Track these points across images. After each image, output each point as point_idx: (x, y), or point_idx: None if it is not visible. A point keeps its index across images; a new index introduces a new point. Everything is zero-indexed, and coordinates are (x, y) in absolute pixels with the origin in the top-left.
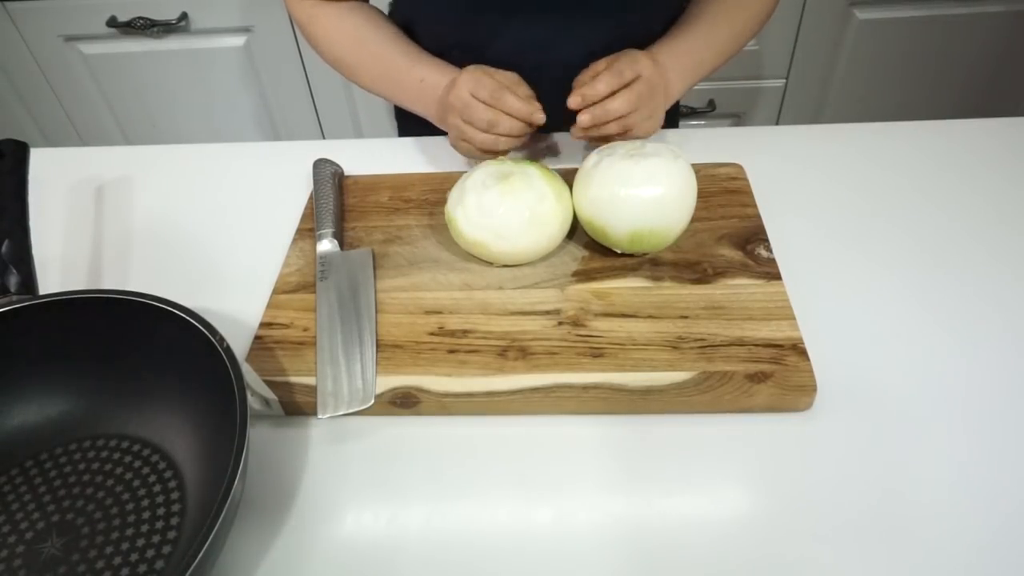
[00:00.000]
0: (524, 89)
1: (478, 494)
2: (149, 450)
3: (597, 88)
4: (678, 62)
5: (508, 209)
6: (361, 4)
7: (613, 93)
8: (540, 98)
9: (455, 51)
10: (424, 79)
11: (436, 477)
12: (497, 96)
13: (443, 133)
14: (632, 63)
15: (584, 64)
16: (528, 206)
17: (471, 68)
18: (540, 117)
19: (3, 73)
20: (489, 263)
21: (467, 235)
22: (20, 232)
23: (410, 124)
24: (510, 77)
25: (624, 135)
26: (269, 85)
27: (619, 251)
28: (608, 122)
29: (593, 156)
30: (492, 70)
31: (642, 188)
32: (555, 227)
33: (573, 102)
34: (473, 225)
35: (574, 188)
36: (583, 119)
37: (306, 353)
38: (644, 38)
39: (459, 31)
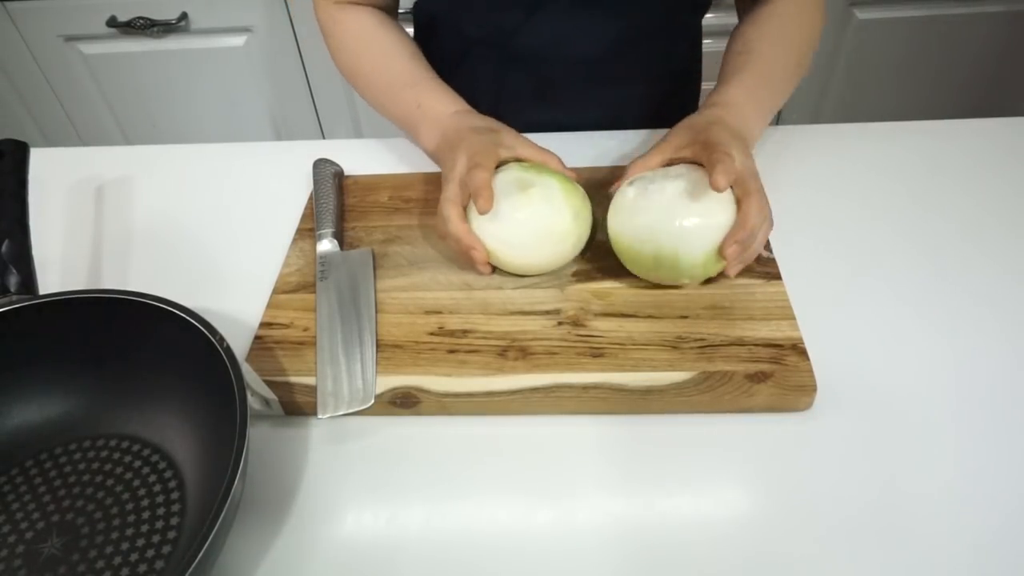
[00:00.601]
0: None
1: (478, 494)
2: (149, 450)
3: (719, 185)
4: (753, 99)
5: (523, 221)
6: (384, 16)
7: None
8: (560, 92)
9: (478, 47)
10: (421, 104)
11: (436, 477)
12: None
13: None
14: (729, 165)
15: (605, 58)
16: (544, 221)
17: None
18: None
19: (3, 73)
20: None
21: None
22: (20, 232)
23: None
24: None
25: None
26: (269, 85)
27: (670, 283)
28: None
29: (629, 188)
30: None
31: (712, 216)
32: (568, 244)
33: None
34: (485, 232)
35: (612, 220)
36: (732, 254)
37: (306, 353)
38: (666, 33)
39: (482, 27)
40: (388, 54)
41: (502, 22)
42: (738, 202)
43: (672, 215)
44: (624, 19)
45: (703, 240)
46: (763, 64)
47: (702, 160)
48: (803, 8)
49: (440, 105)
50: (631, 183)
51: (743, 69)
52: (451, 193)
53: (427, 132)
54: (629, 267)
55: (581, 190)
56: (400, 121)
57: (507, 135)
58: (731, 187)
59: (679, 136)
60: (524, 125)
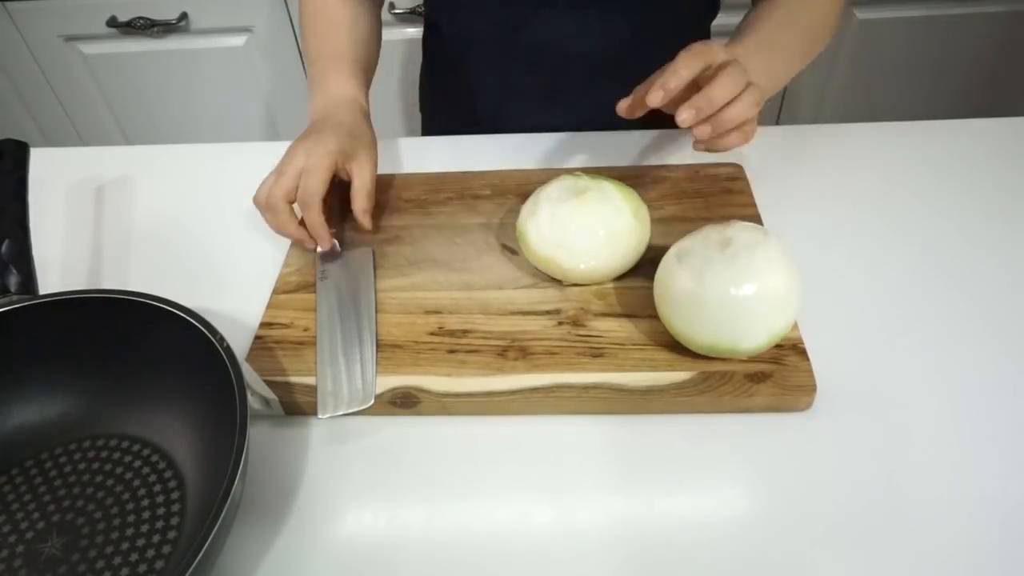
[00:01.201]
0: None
1: (478, 494)
2: (149, 450)
3: (679, 73)
4: (755, 62)
5: (582, 226)
6: (357, 1)
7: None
8: (565, 91)
9: (484, 44)
10: (326, 74)
11: (436, 477)
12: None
13: (452, 132)
14: (706, 47)
15: (610, 58)
16: (603, 223)
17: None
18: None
19: (3, 73)
20: (559, 281)
21: (538, 251)
22: (20, 232)
23: (435, 122)
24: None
25: (744, 133)
26: (269, 85)
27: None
28: (714, 116)
29: (683, 273)
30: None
31: (774, 308)
32: (631, 246)
33: (654, 98)
34: (545, 241)
35: (663, 302)
36: (685, 115)
37: (306, 353)
38: (674, 33)
39: (487, 23)
40: (336, 25)
41: (508, 17)
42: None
43: (733, 312)
44: (630, 19)
45: (765, 331)
46: (770, 34)
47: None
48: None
49: (340, 85)
50: (679, 260)
51: (747, 35)
52: (285, 187)
53: (313, 102)
54: (676, 338)
55: (632, 190)
56: (308, 81)
57: (362, 151)
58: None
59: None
60: (529, 124)
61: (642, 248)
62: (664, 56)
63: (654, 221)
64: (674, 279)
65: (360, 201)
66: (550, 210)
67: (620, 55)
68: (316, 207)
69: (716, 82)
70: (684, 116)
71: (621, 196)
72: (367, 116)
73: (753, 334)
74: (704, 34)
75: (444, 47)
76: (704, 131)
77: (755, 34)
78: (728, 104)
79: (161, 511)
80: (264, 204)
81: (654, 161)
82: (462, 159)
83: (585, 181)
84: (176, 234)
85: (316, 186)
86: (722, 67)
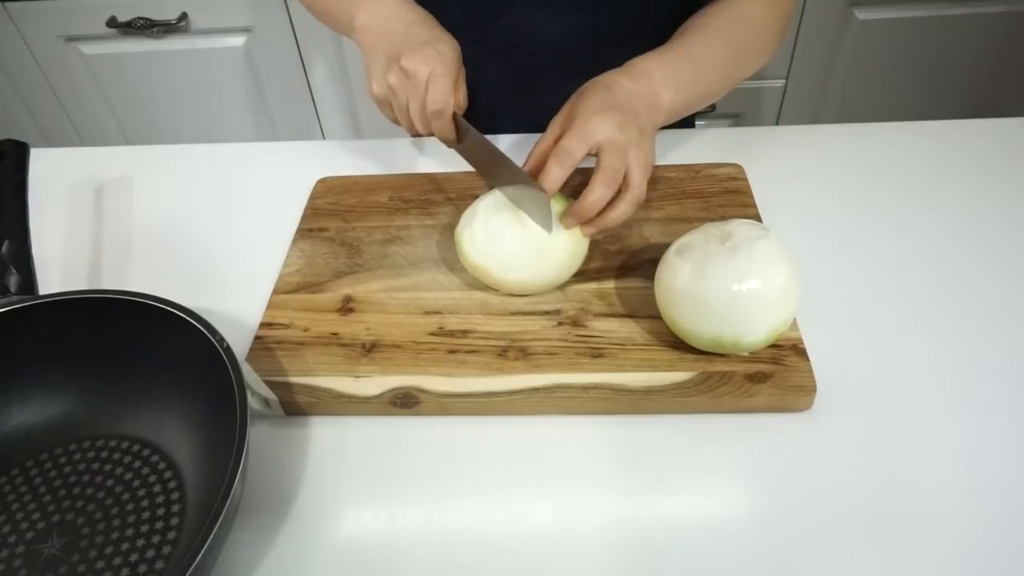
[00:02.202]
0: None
1: (478, 494)
2: (149, 450)
3: (564, 166)
4: (669, 72)
5: (515, 238)
6: None
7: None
8: (537, 84)
9: (455, 35)
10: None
11: (436, 477)
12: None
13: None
14: (584, 125)
15: (581, 51)
16: (536, 236)
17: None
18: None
19: (3, 73)
20: (495, 290)
21: (471, 259)
22: (20, 232)
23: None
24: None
25: (628, 200)
26: (269, 85)
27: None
28: (596, 219)
29: (684, 266)
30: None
31: (779, 303)
32: (563, 260)
33: (566, 223)
34: (478, 251)
35: (663, 298)
36: (566, 223)
37: (306, 353)
38: (641, 27)
39: (459, 14)
40: None
41: (476, 10)
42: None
43: (735, 305)
44: (599, 12)
45: (767, 324)
46: (692, 46)
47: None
48: (759, 8)
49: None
50: (679, 254)
51: (668, 46)
52: (420, 98)
53: (368, 11)
54: (678, 335)
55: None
56: (335, 10)
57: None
58: (775, 254)
59: (568, 104)
60: (503, 118)
61: (577, 262)
62: (635, 48)
63: (654, 220)
64: (675, 274)
65: (460, 99)
66: (485, 220)
67: (589, 50)
68: (448, 115)
69: (592, 188)
70: (565, 223)
71: (560, 209)
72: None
73: (755, 327)
74: (675, 25)
75: None
76: (589, 230)
77: (681, 46)
78: (608, 207)
79: (161, 511)
80: (423, 115)
81: (654, 161)
82: (461, 159)
83: None
84: (176, 234)
85: (447, 94)
86: (600, 151)
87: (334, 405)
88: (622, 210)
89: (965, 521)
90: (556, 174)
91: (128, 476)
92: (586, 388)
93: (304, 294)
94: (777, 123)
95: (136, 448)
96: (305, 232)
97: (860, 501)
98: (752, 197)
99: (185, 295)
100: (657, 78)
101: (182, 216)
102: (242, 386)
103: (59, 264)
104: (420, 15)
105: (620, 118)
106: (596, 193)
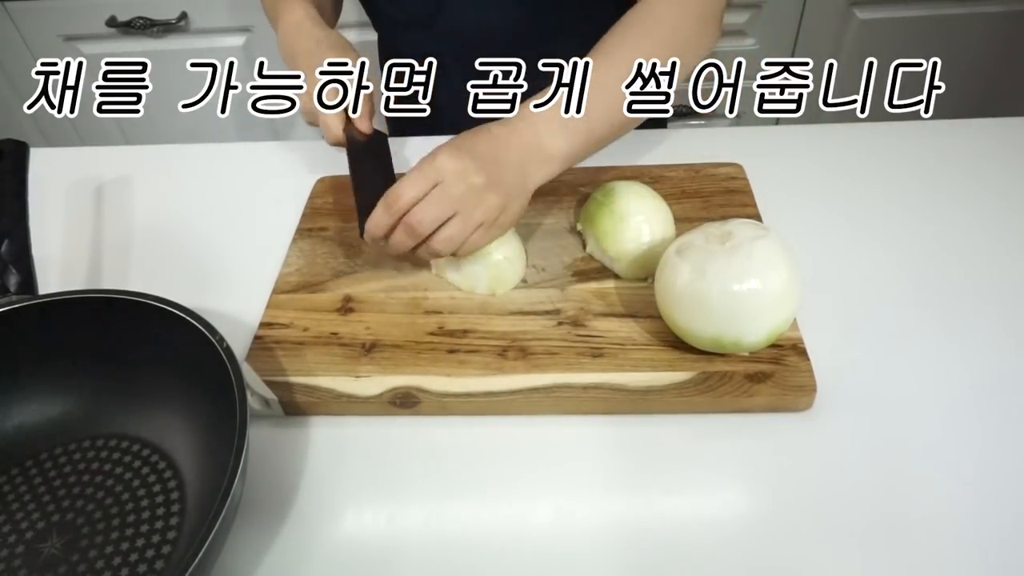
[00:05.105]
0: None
1: (478, 494)
2: (149, 450)
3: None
4: (553, 114)
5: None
6: None
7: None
8: (488, 75)
9: (408, 29)
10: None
11: (436, 477)
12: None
13: (439, 133)
14: (421, 162)
15: (529, 39)
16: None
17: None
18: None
19: (3, 73)
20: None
21: (441, 274)
22: (20, 232)
23: (402, 124)
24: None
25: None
26: None
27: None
28: (423, 243)
29: (684, 266)
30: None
31: (779, 302)
32: (503, 269)
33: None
34: (437, 264)
35: (664, 298)
36: (373, 232)
37: (306, 353)
38: (585, 17)
39: (408, 9)
40: None
41: (422, 4)
42: None
43: (735, 305)
44: (544, 5)
45: (767, 324)
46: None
47: None
48: (673, 12)
49: (293, 10)
50: (680, 254)
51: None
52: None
53: (280, 39)
54: (678, 335)
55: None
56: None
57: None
58: (777, 252)
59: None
60: (462, 111)
61: (521, 269)
62: (583, 36)
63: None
64: (675, 273)
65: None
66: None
67: (537, 37)
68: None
69: (414, 211)
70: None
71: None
72: (323, 23)
73: (755, 327)
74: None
75: (383, 35)
76: (423, 253)
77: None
78: (438, 230)
79: (161, 511)
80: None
81: (654, 161)
82: None
83: None
84: (176, 234)
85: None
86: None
87: (334, 405)
88: (407, 243)
89: (965, 520)
90: (380, 219)
91: (128, 476)
92: (586, 388)
93: (304, 294)
94: (777, 123)
95: (136, 448)
96: (305, 232)
97: (860, 501)
98: (752, 197)
99: (185, 295)
100: (539, 125)
101: (182, 216)
102: (242, 386)
103: (59, 264)
104: (323, 32)
105: (469, 163)
106: (408, 188)
